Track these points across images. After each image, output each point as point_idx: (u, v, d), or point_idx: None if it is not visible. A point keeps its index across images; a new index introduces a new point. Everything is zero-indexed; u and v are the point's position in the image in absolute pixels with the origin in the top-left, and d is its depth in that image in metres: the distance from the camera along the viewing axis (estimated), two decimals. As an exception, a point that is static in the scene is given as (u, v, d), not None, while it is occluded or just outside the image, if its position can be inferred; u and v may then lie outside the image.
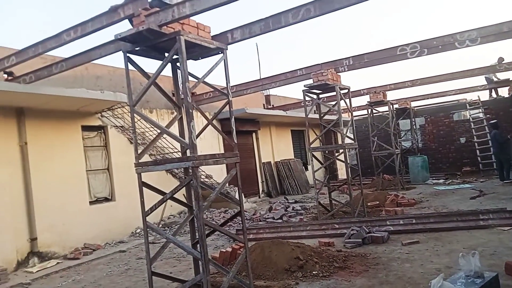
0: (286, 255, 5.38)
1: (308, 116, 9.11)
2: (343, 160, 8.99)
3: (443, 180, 14.91)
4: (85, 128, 9.26)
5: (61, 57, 7.12)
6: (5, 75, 7.68)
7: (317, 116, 9.97)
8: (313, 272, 5.14)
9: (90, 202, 9.12)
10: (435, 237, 6.56)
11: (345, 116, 15.26)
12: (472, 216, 7.10)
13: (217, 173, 12.32)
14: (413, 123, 17.78)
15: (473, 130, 16.24)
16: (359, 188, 9.35)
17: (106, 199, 9.61)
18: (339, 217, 8.95)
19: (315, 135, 9.62)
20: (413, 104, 17.44)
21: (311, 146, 9.04)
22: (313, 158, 9.10)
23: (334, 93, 9.04)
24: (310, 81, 8.71)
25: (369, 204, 10.00)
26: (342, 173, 19.36)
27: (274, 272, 5.21)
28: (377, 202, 10.22)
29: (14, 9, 38.06)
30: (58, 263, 7.64)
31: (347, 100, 9.37)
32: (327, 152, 11.47)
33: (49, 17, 40.52)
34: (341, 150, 9.22)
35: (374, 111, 15.15)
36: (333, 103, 11.09)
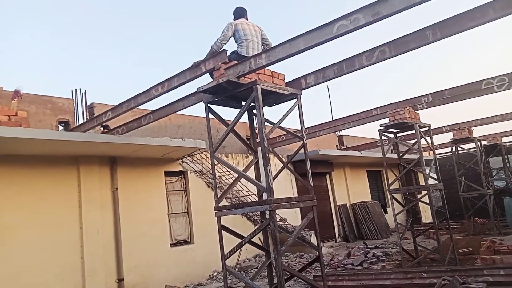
0: (369, 305, 5.02)
1: (386, 156, 8.76)
2: (427, 202, 8.38)
3: (550, 225, 13.05)
4: (167, 174, 9.88)
5: (148, 109, 7.86)
6: (102, 128, 8.65)
7: (394, 155, 9.56)
8: (402, 327, 4.71)
9: (171, 244, 9.51)
10: (546, 292, 5.68)
11: (426, 155, 14.37)
12: None
13: (291, 216, 12.19)
14: (506, 160, 16.09)
15: None
16: (447, 232, 8.57)
17: (186, 242, 9.94)
18: (426, 265, 8.21)
19: (394, 175, 9.17)
20: (504, 139, 15.87)
21: (391, 187, 8.60)
22: (393, 200, 8.61)
23: (413, 132, 8.64)
24: (385, 120, 8.47)
25: (460, 250, 9.05)
26: (425, 216, 17.94)
27: (358, 324, 4.87)
28: (470, 249, 9.21)
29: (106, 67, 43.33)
30: (142, 304, 7.96)
31: (428, 138, 8.87)
32: (408, 193, 10.78)
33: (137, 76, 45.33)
34: (424, 192, 8.63)
35: (459, 149, 14.07)
36: (413, 141, 10.56)
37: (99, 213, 8.19)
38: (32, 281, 6.96)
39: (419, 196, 10.18)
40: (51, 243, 7.36)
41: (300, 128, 4.89)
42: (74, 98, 8.77)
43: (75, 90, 8.73)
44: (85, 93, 8.72)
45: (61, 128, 8.56)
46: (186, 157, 10.08)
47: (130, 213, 8.71)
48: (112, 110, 6.82)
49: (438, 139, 15.24)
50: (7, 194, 7.02)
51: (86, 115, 8.76)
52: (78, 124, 8.18)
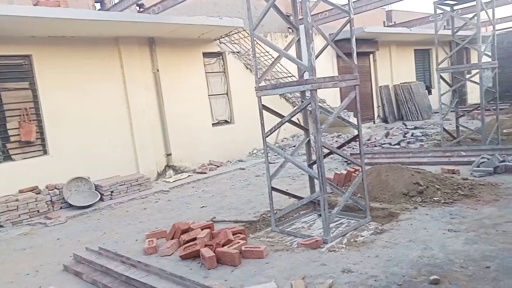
0: (404, 180, 5.24)
1: (438, 33, 8.06)
2: (477, 81, 7.93)
3: None
4: (206, 55, 9.81)
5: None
6: (137, 7, 8.40)
7: (447, 32, 8.78)
8: (434, 198, 4.95)
9: (212, 124, 9.97)
10: None
11: (483, 31, 13.08)
12: None
13: (330, 97, 12.14)
14: None
15: None
16: (493, 113, 8.28)
17: (226, 122, 10.37)
18: (466, 145, 8.19)
19: (444, 54, 8.56)
20: None
21: (439, 66, 8.12)
22: (441, 80, 8.21)
23: (473, 3, 7.73)
24: (443, -9, 7.57)
25: (504, 131, 8.87)
26: (472, 98, 17.23)
27: (391, 195, 5.17)
28: (515, 130, 8.99)
29: None
30: (189, 175, 8.78)
31: (490, 11, 7.95)
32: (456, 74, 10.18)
33: None
34: (474, 71, 8.11)
35: (522, 23, 12.64)
36: (471, 15, 9.53)
37: (143, 93, 8.52)
38: (92, 153, 7.72)
39: (468, 76, 9.59)
40: (103, 120, 7.91)
41: (347, 2, 4.49)
42: (106, -26, 8.38)
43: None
44: (116, -32, 8.26)
45: (97, 7, 8.40)
46: (223, 37, 9.83)
47: (172, 94, 8.99)
48: (146, -14, 6.51)
49: (500, 12, 13.61)
50: (57, 72, 7.34)
51: (120, -7, 8.44)
52: (113, 4, 7.97)
